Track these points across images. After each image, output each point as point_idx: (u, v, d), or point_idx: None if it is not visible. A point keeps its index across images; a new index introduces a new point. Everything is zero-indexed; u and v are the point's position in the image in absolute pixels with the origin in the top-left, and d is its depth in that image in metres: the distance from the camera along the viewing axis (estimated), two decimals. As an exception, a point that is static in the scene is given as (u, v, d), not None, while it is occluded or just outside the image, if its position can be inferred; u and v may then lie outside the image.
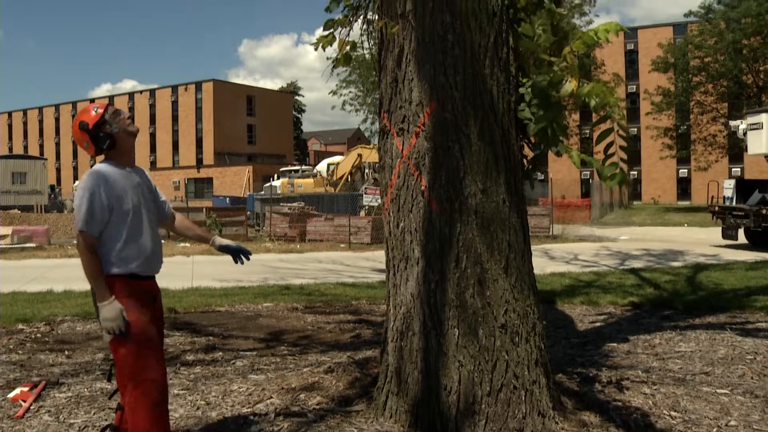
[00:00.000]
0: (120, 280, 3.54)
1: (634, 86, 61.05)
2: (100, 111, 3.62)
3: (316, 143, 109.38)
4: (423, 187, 4.08)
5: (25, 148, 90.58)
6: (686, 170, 59.71)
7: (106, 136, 3.59)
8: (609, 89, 3.99)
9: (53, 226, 24.42)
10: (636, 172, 61.34)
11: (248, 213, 26.41)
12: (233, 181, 61.28)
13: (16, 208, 33.27)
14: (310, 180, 40.50)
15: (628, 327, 7.65)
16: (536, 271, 4.48)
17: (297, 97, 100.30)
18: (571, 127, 46.73)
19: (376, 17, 4.54)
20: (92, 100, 77.04)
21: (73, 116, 3.70)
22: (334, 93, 48.61)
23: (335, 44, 4.56)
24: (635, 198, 59.64)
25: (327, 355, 6.44)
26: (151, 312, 3.67)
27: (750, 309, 8.50)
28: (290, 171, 48.16)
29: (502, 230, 4.03)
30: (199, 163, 73.37)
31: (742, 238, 18.41)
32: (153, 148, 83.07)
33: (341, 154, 51.49)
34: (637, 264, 14.47)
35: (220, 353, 6.55)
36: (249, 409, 4.64)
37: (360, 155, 34.43)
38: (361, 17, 4.79)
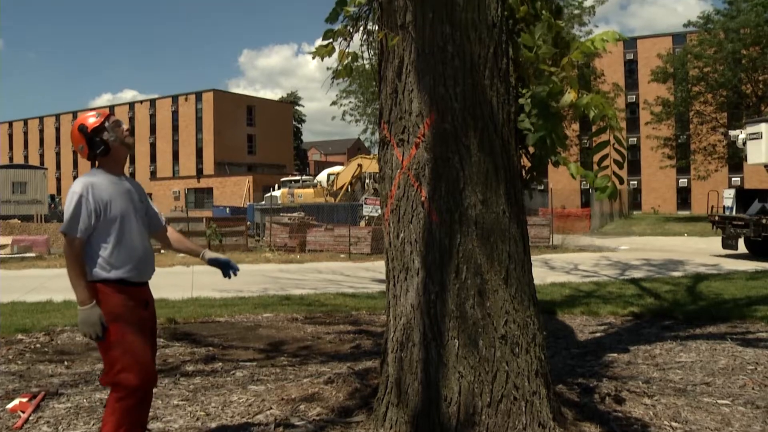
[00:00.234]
0: (110, 285, 3.59)
1: (634, 96, 61.10)
2: (101, 118, 3.72)
3: (316, 153, 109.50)
4: (423, 198, 4.08)
5: (26, 157, 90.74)
6: (686, 180, 59.70)
7: (102, 143, 3.70)
8: (608, 101, 4.00)
9: (53, 236, 24.40)
10: (636, 182, 61.34)
11: (248, 223, 26.40)
12: (233, 191, 61.34)
13: (16, 217, 33.26)
14: (310, 190, 40.54)
15: (628, 337, 7.65)
16: (536, 281, 4.48)
17: (297, 107, 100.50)
18: (571, 137, 46.74)
19: (376, 28, 4.55)
20: (93, 110, 77.02)
21: (75, 125, 3.79)
22: (335, 103, 48.65)
23: (335, 54, 4.59)
24: (635, 208, 59.59)
25: (327, 365, 6.43)
26: (142, 317, 3.70)
27: (751, 319, 8.49)
28: (291, 181, 48.21)
29: (502, 241, 4.03)
30: (200, 173, 73.45)
31: (742, 247, 18.41)
32: (153, 158, 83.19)
33: (341, 164, 51.56)
34: (637, 274, 14.46)
35: (220, 364, 6.54)
36: (249, 420, 4.63)
37: (360, 165, 34.50)
38: (361, 28, 4.81)
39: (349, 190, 34.81)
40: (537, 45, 4.08)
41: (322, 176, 43.64)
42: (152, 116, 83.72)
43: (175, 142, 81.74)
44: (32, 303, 10.64)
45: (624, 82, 59.04)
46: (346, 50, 4.61)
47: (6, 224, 27.35)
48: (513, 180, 4.16)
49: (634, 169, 60.12)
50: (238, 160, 78.16)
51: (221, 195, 61.95)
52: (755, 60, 39.13)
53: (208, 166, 76.83)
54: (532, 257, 4.53)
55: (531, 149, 4.35)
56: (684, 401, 4.92)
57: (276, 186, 47.20)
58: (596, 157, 3.96)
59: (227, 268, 4.14)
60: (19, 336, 7.99)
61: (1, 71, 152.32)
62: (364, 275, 15.43)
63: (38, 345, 7.56)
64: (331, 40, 4.59)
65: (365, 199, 26.08)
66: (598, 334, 7.90)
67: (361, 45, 4.95)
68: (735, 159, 39.53)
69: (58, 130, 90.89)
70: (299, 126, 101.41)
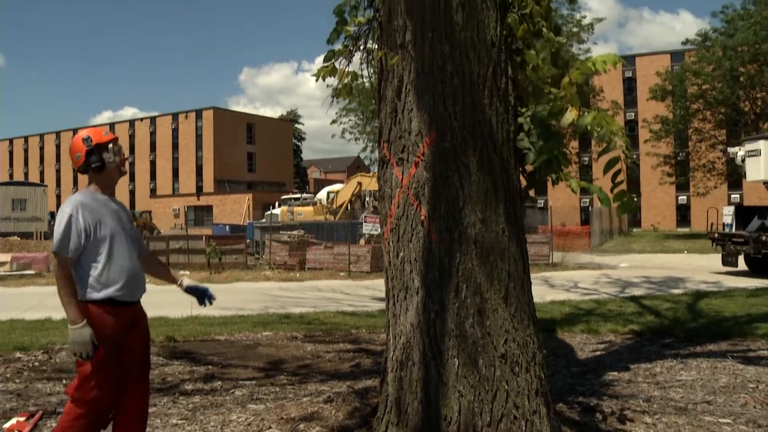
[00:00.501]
0: (97, 305, 3.62)
1: (633, 113, 61.36)
2: (109, 137, 3.80)
3: (316, 171, 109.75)
4: (422, 217, 4.08)
5: (26, 174, 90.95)
6: (685, 197, 59.81)
7: (99, 160, 3.75)
8: (611, 117, 4.01)
9: (53, 254, 24.36)
10: (635, 199, 61.39)
11: (248, 241, 26.38)
12: (233, 208, 61.40)
13: (15, 234, 33.25)
14: (310, 208, 40.52)
15: (628, 355, 7.62)
16: (536, 299, 4.47)
17: (297, 125, 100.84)
18: (571, 155, 46.85)
19: (376, 47, 4.58)
20: (96, 127, 77.11)
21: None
22: (335, 122, 48.74)
23: (336, 74, 4.62)
24: (635, 225, 59.67)
25: (326, 384, 6.41)
26: (127, 338, 3.72)
27: (751, 336, 8.47)
28: (291, 199, 48.24)
29: (502, 260, 4.02)
30: (199, 190, 73.52)
31: (742, 264, 18.40)
32: (153, 176, 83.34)
33: (341, 182, 51.65)
34: (637, 291, 14.44)
35: (219, 382, 6.52)
36: (248, 440, 4.60)
37: (360, 183, 34.51)
38: (361, 47, 4.83)
39: (349, 208, 34.82)
40: (539, 64, 4.10)
41: (321, 194, 43.68)
42: (152, 133, 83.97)
43: (175, 160, 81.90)
44: (31, 321, 10.62)
45: (623, 99, 59.35)
46: (346, 69, 4.64)
47: (5, 241, 27.34)
48: (512, 199, 4.17)
49: (634, 186, 60.26)
50: (238, 177, 78.30)
51: (221, 213, 62.01)
52: (753, 77, 39.31)
53: (208, 184, 76.93)
54: (532, 275, 4.53)
55: (528, 167, 4.36)
56: (685, 420, 4.91)
57: (276, 204, 47.23)
58: (608, 175, 3.96)
59: (203, 297, 4.17)
60: (18, 354, 7.97)
61: (3, 88, 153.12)
62: (364, 293, 15.41)
63: (36, 363, 7.53)
64: (332, 61, 4.62)
65: (365, 217, 26.07)
66: (598, 353, 7.88)
67: (361, 63, 4.98)
68: (734, 176, 39.60)
69: (58, 147, 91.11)
70: (299, 144, 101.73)
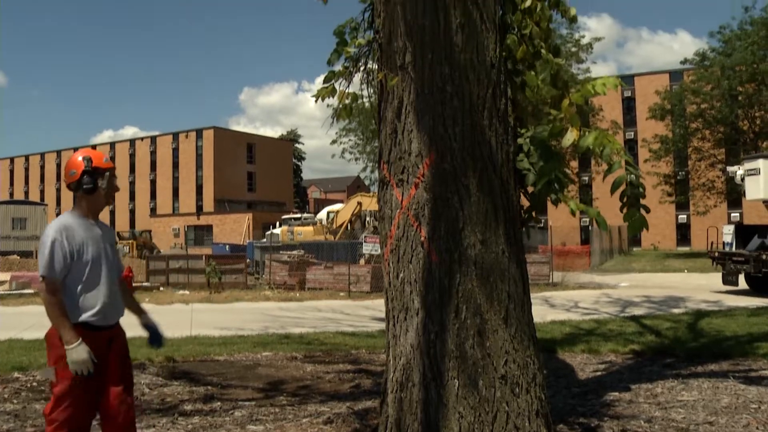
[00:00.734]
0: (77, 328, 3.67)
1: (632, 133, 61.51)
2: (108, 166, 3.85)
3: (316, 191, 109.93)
4: (422, 238, 4.09)
5: (26, 193, 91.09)
6: (685, 216, 59.82)
7: (92, 182, 3.78)
8: (612, 137, 4.02)
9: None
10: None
11: (248, 261, 26.36)
12: (233, 228, 61.43)
13: (15, 253, 33.22)
14: (310, 228, 40.52)
15: (629, 375, 7.59)
16: (536, 319, 4.46)
17: (297, 145, 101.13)
18: (571, 175, 46.94)
19: (376, 68, 4.60)
20: (94, 147, 77.39)
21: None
22: (335, 142, 48.80)
23: (336, 95, 4.64)
24: (635, 244, 59.59)
25: (326, 405, 6.38)
26: (103, 358, 3.75)
27: (753, 356, 8.44)
28: (291, 219, 48.26)
29: (502, 281, 4.02)
30: (199, 210, 73.59)
31: (742, 283, 18.37)
32: (153, 195, 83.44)
33: (341, 201, 51.69)
34: (637, 311, 14.41)
35: (219, 403, 6.49)
36: (247, 462, 4.58)
37: (360, 203, 34.55)
38: (362, 68, 4.86)
39: (349, 228, 34.83)
40: (539, 85, 4.13)
41: (322, 214, 43.72)
42: (152, 153, 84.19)
43: (176, 179, 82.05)
44: (29, 340, 10.56)
45: (622, 119, 59.50)
46: (346, 90, 4.66)
47: (5, 260, 27.32)
48: (512, 220, 4.18)
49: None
50: (238, 197, 78.40)
51: (221, 232, 62.03)
52: (751, 96, 39.46)
53: (208, 203, 77.02)
54: (532, 294, 4.52)
55: (530, 188, 4.38)
56: (687, 442, 4.88)
57: (277, 224, 47.25)
58: (615, 194, 3.97)
59: (155, 339, 4.22)
60: (16, 374, 7.93)
61: (4, 107, 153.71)
62: (364, 314, 15.37)
63: (35, 384, 7.50)
64: (332, 82, 4.65)
65: (365, 237, 26.06)
66: (599, 373, 7.85)
67: (361, 84, 5.01)
68: (734, 195, 39.64)
69: (59, 166, 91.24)
70: (299, 163, 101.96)
